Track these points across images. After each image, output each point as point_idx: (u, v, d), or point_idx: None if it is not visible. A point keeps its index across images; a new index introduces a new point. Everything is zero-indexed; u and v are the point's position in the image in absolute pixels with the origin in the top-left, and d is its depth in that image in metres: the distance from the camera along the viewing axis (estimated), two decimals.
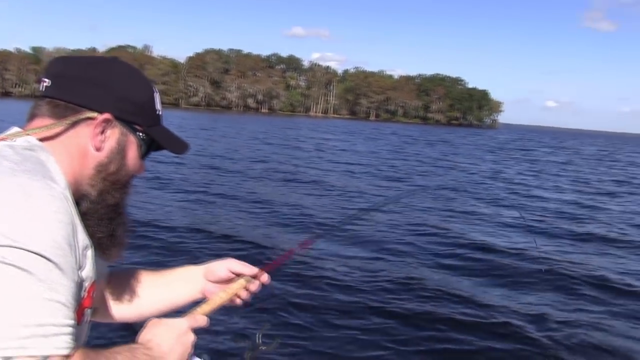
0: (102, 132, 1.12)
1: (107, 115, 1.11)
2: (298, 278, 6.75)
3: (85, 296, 1.05)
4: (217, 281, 1.44)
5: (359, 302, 6.32)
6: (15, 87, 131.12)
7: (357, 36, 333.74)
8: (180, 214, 10.02)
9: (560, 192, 17.64)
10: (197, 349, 1.29)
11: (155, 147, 1.24)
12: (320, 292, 6.53)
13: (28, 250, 0.87)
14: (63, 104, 1.10)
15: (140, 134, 1.18)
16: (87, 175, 1.12)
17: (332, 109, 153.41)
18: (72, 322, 0.92)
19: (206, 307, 1.36)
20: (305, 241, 1.64)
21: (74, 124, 1.09)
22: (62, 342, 0.89)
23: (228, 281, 1.43)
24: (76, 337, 0.94)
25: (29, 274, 0.86)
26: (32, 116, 1.13)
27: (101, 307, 1.41)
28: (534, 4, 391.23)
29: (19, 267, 0.86)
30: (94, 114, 1.10)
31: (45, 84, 1.13)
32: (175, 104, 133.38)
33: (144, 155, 1.22)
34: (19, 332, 0.84)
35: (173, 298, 1.47)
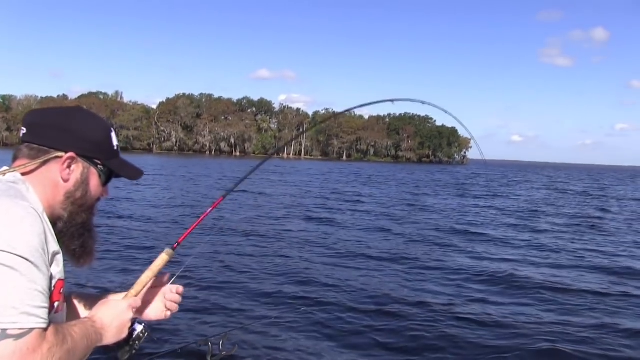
0: (68, 167, 1.45)
1: (70, 154, 1.45)
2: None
3: (54, 291, 1.33)
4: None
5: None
6: None
7: (322, 77, 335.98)
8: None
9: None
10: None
11: (114, 175, 1.58)
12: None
13: (14, 254, 1.19)
14: (36, 146, 1.44)
15: (100, 166, 1.52)
16: (59, 201, 1.46)
17: (304, 150, 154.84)
18: (47, 304, 1.24)
19: (137, 287, 1.61)
20: (215, 203, 1.85)
21: (46, 162, 1.44)
22: (41, 319, 1.20)
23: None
24: (53, 322, 1.25)
25: (15, 270, 1.18)
26: (14, 158, 1.48)
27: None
28: (494, 40, 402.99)
29: (7, 266, 1.18)
30: (61, 154, 1.44)
31: (22, 132, 1.48)
32: (148, 149, 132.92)
33: (105, 182, 1.56)
34: (11, 312, 1.15)
35: None
